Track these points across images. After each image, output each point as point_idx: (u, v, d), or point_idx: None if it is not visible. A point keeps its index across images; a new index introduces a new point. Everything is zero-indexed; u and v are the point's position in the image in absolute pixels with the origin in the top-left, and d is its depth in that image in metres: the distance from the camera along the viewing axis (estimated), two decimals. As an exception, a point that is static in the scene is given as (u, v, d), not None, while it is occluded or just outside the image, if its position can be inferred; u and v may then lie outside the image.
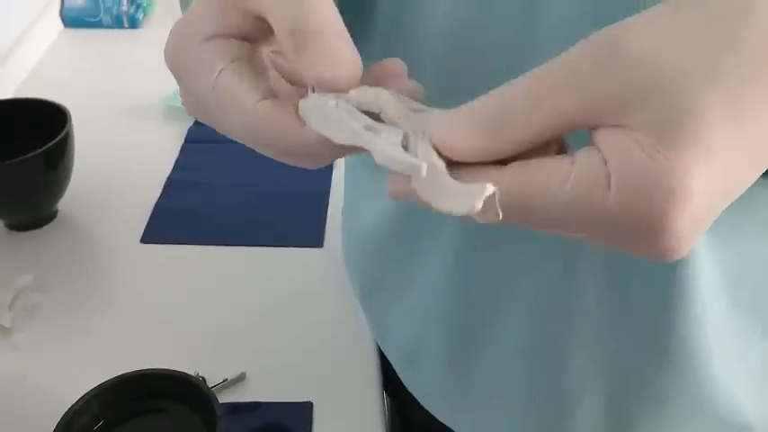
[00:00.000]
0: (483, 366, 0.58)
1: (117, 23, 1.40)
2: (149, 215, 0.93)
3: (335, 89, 0.31)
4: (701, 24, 0.25)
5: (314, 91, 0.32)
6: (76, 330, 0.78)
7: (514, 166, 0.27)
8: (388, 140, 0.28)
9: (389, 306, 0.65)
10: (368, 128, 0.29)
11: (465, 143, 0.27)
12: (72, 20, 1.41)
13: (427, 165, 0.27)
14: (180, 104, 1.12)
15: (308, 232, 0.90)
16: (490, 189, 0.25)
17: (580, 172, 0.25)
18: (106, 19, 1.40)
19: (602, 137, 0.26)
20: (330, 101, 0.31)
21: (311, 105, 0.32)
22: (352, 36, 0.51)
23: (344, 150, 0.31)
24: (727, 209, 0.27)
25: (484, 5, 0.42)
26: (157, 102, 1.15)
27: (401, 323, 0.64)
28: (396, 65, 0.35)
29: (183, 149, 1.05)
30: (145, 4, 1.44)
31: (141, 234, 0.90)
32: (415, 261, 0.58)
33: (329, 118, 0.31)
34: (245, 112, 0.32)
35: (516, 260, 0.52)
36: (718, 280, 0.48)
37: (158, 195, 0.96)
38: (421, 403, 0.66)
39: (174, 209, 0.94)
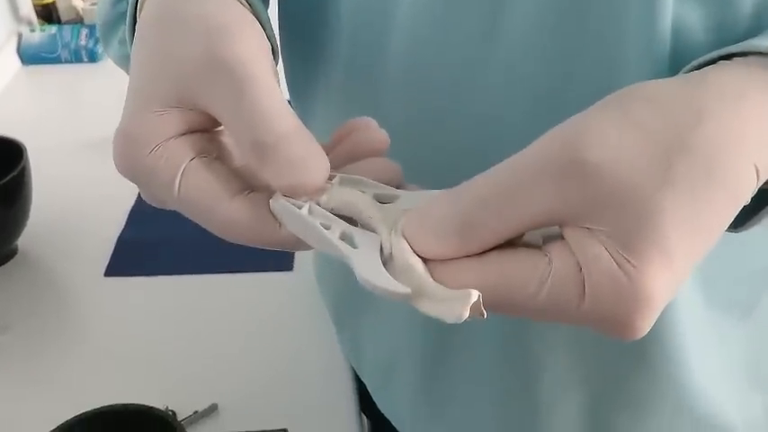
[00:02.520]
0: (457, 381, 0.57)
1: (76, 58, 1.39)
2: (113, 248, 0.90)
3: (304, 196, 0.30)
4: (655, 128, 0.27)
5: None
6: (41, 370, 0.75)
7: (492, 260, 0.27)
8: (368, 255, 0.28)
9: (362, 323, 0.63)
10: (344, 236, 0.29)
11: (437, 248, 0.27)
12: (30, 57, 1.38)
13: (411, 289, 0.27)
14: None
15: (278, 256, 0.88)
16: (475, 295, 0.26)
17: (556, 278, 0.26)
18: (65, 54, 1.38)
19: (573, 238, 0.27)
20: (302, 208, 0.30)
21: (283, 209, 0.31)
22: (310, 61, 0.50)
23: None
24: None
25: (445, 25, 0.41)
26: (119, 134, 1.13)
27: (374, 340, 0.63)
28: (379, 140, 0.33)
29: (146, 180, 1.03)
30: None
31: (105, 268, 0.88)
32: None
33: (303, 225, 0.30)
34: (216, 217, 0.31)
35: None
36: (691, 281, 0.47)
37: (122, 228, 0.94)
38: (395, 425, 0.64)
39: (138, 240, 0.92)
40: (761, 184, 0.28)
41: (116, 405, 0.60)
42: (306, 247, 0.31)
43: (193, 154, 0.32)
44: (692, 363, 0.50)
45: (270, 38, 0.36)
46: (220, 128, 0.34)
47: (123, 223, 0.95)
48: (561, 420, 0.54)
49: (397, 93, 0.44)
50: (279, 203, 0.31)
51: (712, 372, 0.51)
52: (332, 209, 0.30)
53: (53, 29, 1.40)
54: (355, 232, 0.29)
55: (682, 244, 0.26)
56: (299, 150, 0.30)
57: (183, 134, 0.32)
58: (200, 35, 0.32)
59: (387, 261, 0.28)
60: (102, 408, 0.60)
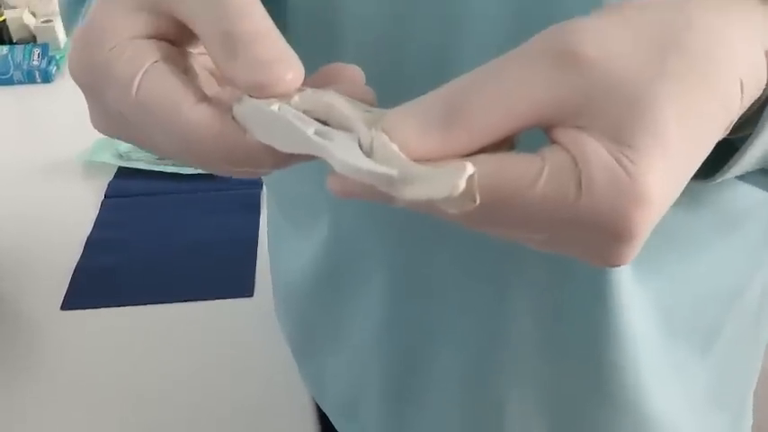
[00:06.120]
0: (422, 416, 0.56)
1: (29, 79, 1.36)
2: (69, 279, 0.88)
3: (275, 95, 0.28)
4: (648, 28, 0.26)
5: (250, 96, 0.28)
6: (-5, 411, 0.73)
7: (484, 156, 0.25)
8: (345, 146, 0.26)
9: (323, 358, 0.63)
10: (318, 133, 0.27)
11: (420, 141, 0.25)
12: (-19, 78, 1.35)
13: (397, 171, 0.24)
14: (99, 159, 1.08)
15: (238, 282, 0.87)
16: (470, 169, 0.24)
17: (553, 169, 0.25)
18: (17, 75, 1.35)
19: (566, 137, 0.25)
20: (272, 105, 0.27)
21: (249, 110, 0.28)
22: None
23: (292, 158, 0.28)
24: (647, 241, 0.27)
25: (403, 21, 0.39)
26: (75, 158, 1.11)
27: (336, 376, 0.62)
28: (353, 72, 0.31)
29: (103, 206, 1.01)
30: (57, 57, 1.39)
31: (61, 300, 0.86)
32: (345, 312, 0.56)
33: (273, 124, 0.27)
34: (178, 122, 0.28)
35: (447, 305, 0.50)
36: (649, 311, 0.47)
37: (78, 257, 0.92)
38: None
39: (96, 270, 0.90)
40: (745, 104, 0.28)
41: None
42: (273, 160, 0.28)
43: (158, 56, 0.29)
44: (652, 391, 0.50)
45: None
46: (191, 50, 0.32)
47: (80, 251, 0.93)
48: None
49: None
50: (246, 104, 0.28)
51: (672, 398, 0.51)
52: (304, 111, 0.28)
53: (4, 49, 1.37)
54: (331, 131, 0.27)
55: (678, 143, 0.25)
56: (275, 46, 0.28)
57: (150, 38, 0.30)
58: None
59: (367, 155, 0.26)
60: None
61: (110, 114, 0.31)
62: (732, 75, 0.27)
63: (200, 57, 0.33)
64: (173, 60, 0.30)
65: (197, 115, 0.28)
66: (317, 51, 0.43)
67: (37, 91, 1.35)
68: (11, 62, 1.35)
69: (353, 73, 0.31)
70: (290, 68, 0.28)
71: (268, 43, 0.28)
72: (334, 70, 0.31)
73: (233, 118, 0.28)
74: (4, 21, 1.41)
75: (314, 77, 0.31)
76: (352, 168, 0.25)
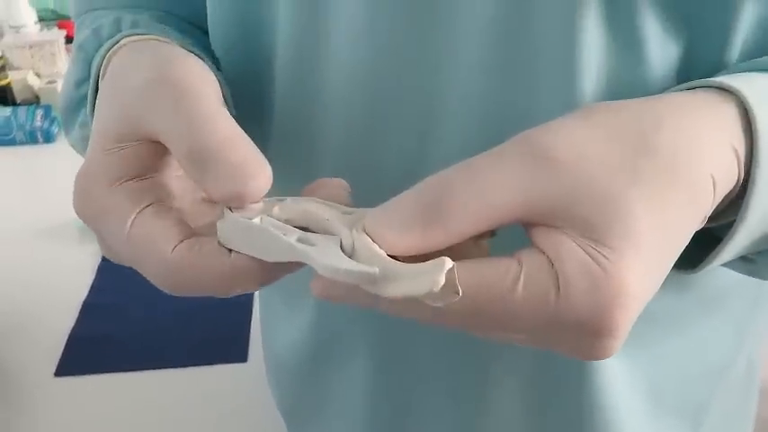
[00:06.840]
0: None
1: (31, 139, 1.38)
2: (64, 344, 0.89)
3: (248, 203, 0.29)
4: (619, 131, 0.27)
5: (231, 209, 0.29)
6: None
7: (462, 263, 0.26)
8: (328, 249, 0.27)
9: (313, 428, 0.62)
10: (301, 240, 0.27)
11: (401, 239, 0.26)
12: (-16, 140, 1.37)
13: (379, 269, 0.25)
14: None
15: (232, 347, 0.87)
16: (449, 263, 0.24)
17: (529, 273, 0.26)
18: (20, 136, 1.37)
19: (543, 238, 0.26)
20: (253, 219, 0.28)
21: (232, 226, 0.29)
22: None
23: (277, 272, 0.29)
24: None
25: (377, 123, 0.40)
26: (72, 221, 1.12)
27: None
28: (339, 183, 0.32)
29: (99, 270, 1.02)
30: (60, 118, 1.41)
31: (56, 366, 0.86)
32: (330, 389, 0.56)
33: (256, 237, 0.28)
34: (165, 263, 0.30)
35: (430, 389, 0.50)
36: (636, 388, 0.47)
37: (74, 322, 0.92)
38: None
39: (90, 336, 0.90)
40: (717, 198, 0.29)
41: None
42: (259, 279, 0.29)
43: (146, 201, 0.31)
44: None
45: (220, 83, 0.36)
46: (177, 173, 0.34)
47: (75, 316, 0.93)
48: None
49: (336, 156, 0.43)
50: (228, 219, 0.29)
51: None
52: (285, 220, 0.29)
53: (7, 110, 1.39)
54: (312, 236, 0.28)
55: (652, 240, 0.26)
56: (242, 153, 0.29)
57: (134, 178, 0.32)
58: (146, 68, 0.32)
59: (349, 256, 0.26)
60: None
61: (111, 249, 0.33)
62: (703, 171, 0.28)
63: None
64: (157, 196, 0.32)
65: (180, 256, 0.30)
66: (297, 159, 0.44)
67: (39, 151, 1.37)
68: (14, 123, 1.37)
69: (339, 184, 0.32)
70: (260, 172, 0.29)
71: (235, 154, 0.29)
72: (321, 185, 0.32)
73: (219, 243, 0.30)
74: (9, 83, 1.44)
75: (301, 194, 0.32)
76: (335, 270, 0.25)
